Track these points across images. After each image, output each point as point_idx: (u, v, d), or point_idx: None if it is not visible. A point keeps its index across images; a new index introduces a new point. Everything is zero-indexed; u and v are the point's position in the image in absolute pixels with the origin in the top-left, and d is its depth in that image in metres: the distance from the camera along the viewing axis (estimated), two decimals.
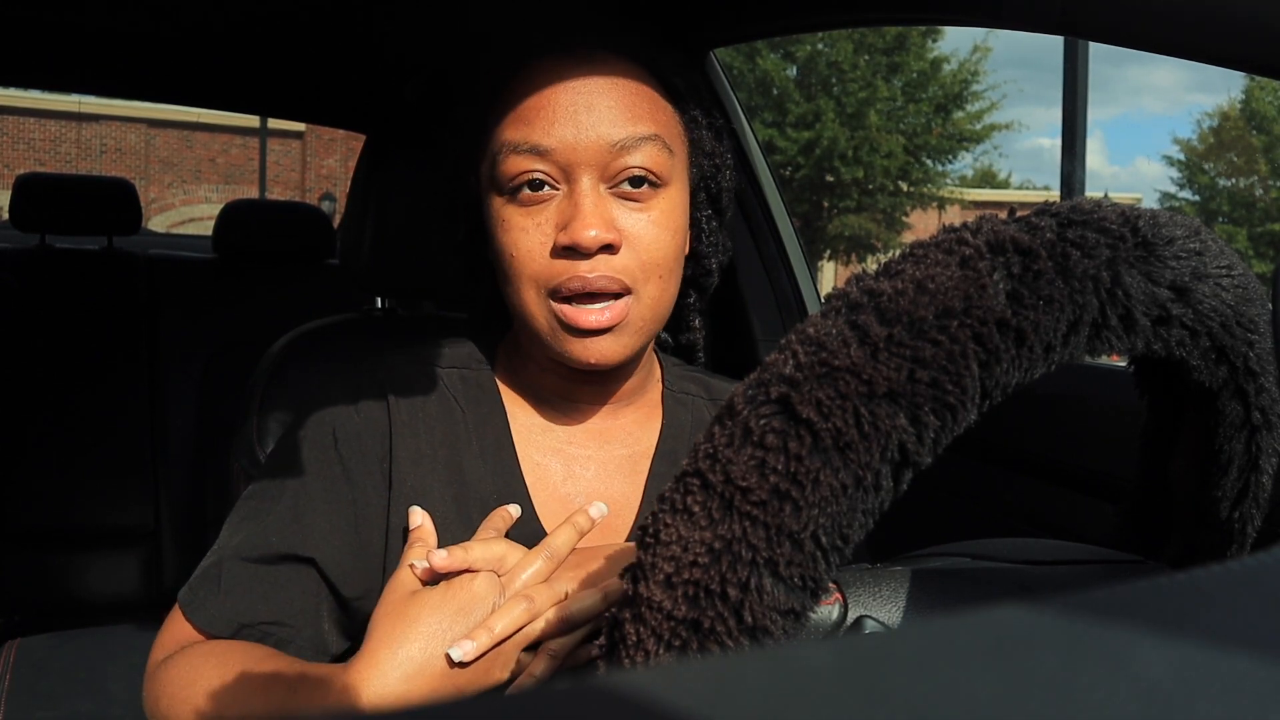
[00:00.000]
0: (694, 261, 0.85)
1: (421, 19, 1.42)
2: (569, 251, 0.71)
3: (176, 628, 0.73)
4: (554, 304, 0.72)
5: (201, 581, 0.74)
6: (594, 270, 0.71)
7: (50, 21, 1.56)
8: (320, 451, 0.77)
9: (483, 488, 0.77)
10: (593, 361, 0.73)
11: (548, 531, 0.75)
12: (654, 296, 0.74)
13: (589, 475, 0.80)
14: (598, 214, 0.71)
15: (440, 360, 0.82)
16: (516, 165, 0.72)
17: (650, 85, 0.75)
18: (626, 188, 0.72)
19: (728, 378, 0.92)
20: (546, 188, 0.72)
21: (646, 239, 0.73)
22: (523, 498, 0.77)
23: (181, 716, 0.67)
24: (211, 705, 0.66)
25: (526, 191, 0.72)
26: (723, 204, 0.85)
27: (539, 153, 0.71)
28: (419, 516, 0.71)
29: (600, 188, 0.72)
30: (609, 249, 0.71)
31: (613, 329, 0.72)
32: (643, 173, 0.72)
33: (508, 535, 0.71)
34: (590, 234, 0.69)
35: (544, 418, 0.81)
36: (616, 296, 0.72)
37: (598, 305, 0.72)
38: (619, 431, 0.83)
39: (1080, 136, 5.76)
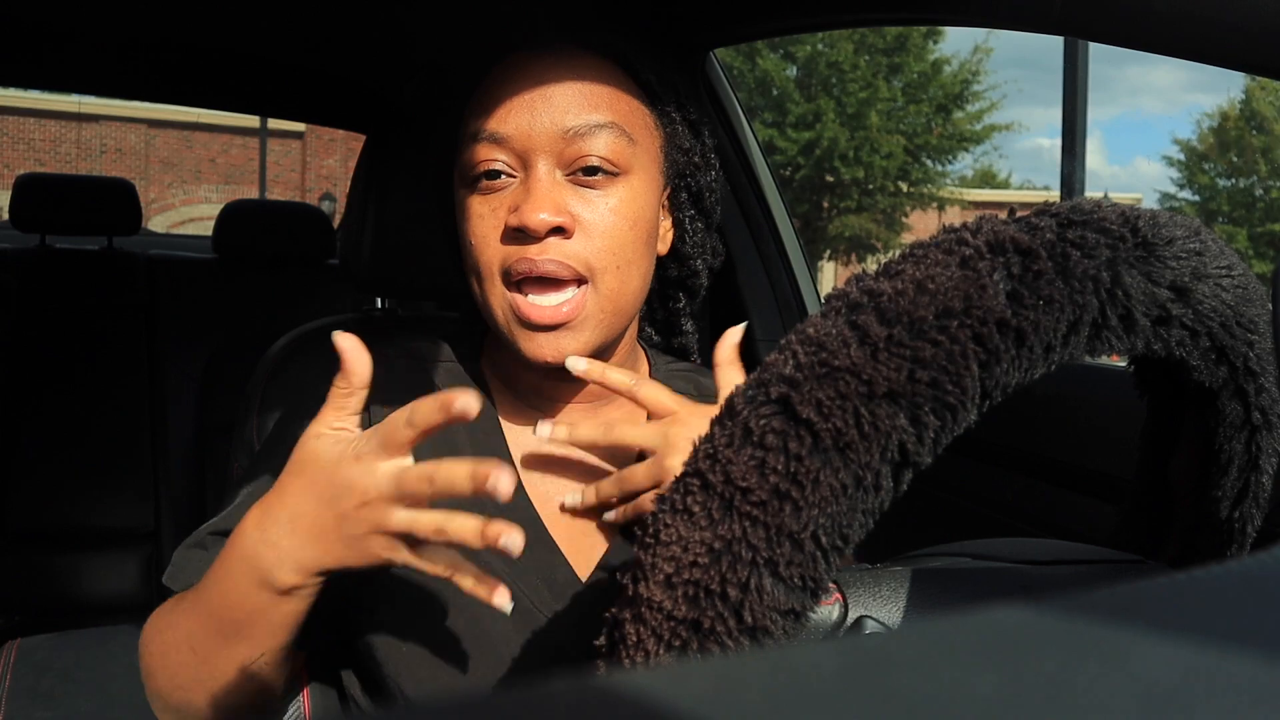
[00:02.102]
0: (678, 263, 0.84)
1: (409, 18, 1.42)
2: (519, 234, 0.71)
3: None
4: (508, 293, 0.72)
5: (183, 553, 0.75)
6: (544, 254, 0.70)
7: (50, 22, 1.56)
8: None
9: None
10: (548, 359, 0.72)
11: (543, 522, 0.76)
12: (612, 288, 0.73)
13: (572, 471, 0.80)
14: (549, 198, 0.71)
15: (427, 356, 0.83)
16: (476, 154, 0.73)
17: (617, 79, 0.76)
18: (583, 175, 0.73)
19: None
20: (504, 176, 0.73)
21: (602, 226, 0.72)
22: (516, 486, 0.76)
23: (155, 664, 0.69)
24: (170, 633, 0.69)
25: (485, 180, 0.73)
26: (705, 204, 0.84)
27: (496, 140, 0.72)
28: (340, 350, 0.62)
29: (556, 174, 0.73)
30: (560, 233, 0.71)
31: (568, 324, 0.72)
32: (599, 160, 0.72)
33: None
34: (539, 216, 0.69)
35: (525, 415, 0.81)
36: (571, 284, 0.72)
37: (553, 300, 0.71)
38: None
39: (1080, 136, 5.76)
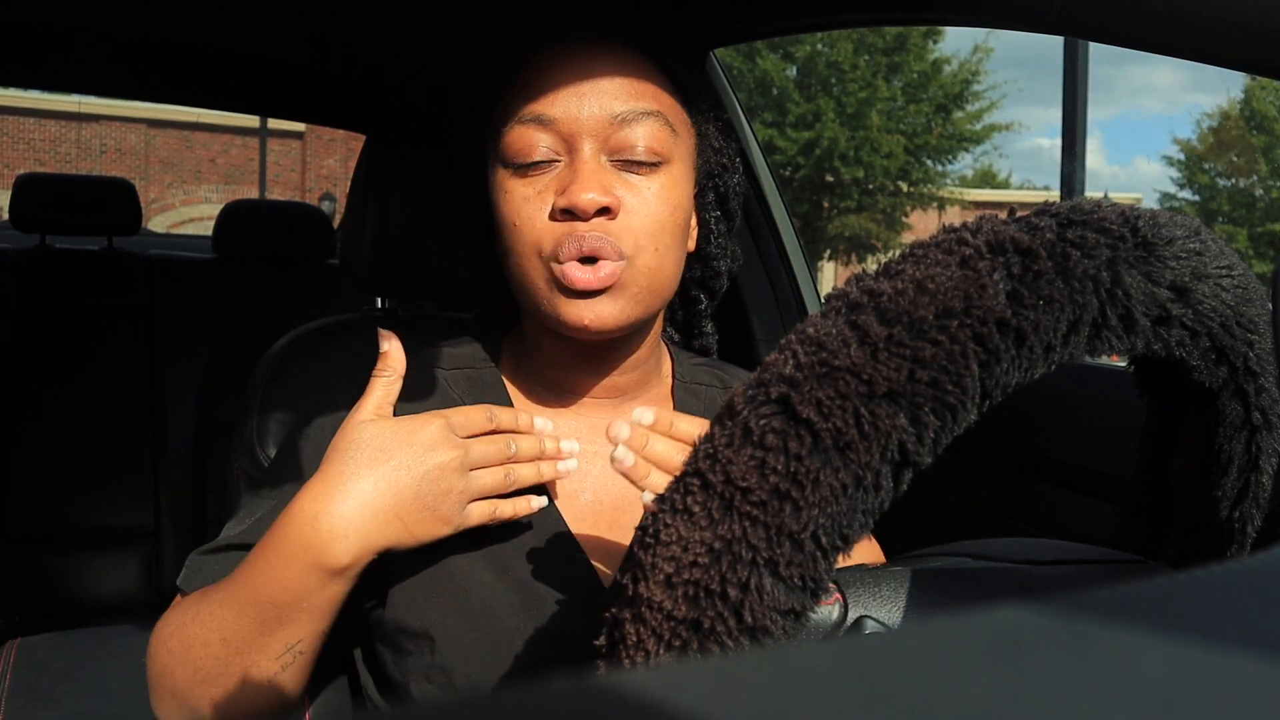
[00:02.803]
0: (702, 263, 0.86)
1: (436, 11, 1.42)
2: (566, 215, 0.72)
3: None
4: (552, 264, 0.73)
5: (200, 559, 0.75)
6: (591, 231, 0.71)
7: (50, 22, 1.56)
8: (319, 452, 0.77)
9: None
10: (588, 323, 0.73)
11: (565, 520, 0.76)
12: (649, 265, 0.74)
13: (596, 470, 0.80)
14: (596, 179, 0.72)
15: (442, 361, 0.83)
16: (520, 137, 0.74)
17: (655, 74, 0.77)
18: (626, 161, 0.74)
19: (744, 369, 0.92)
20: (548, 160, 0.74)
21: (643, 210, 0.73)
22: (540, 488, 0.77)
23: (173, 661, 0.69)
24: (194, 627, 0.69)
25: (528, 163, 0.74)
26: (730, 206, 0.85)
27: (543, 123, 0.73)
28: (386, 343, 0.74)
29: (601, 157, 0.74)
30: (606, 213, 0.72)
31: (608, 290, 0.72)
32: (643, 147, 0.74)
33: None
34: (588, 196, 0.70)
35: (551, 412, 0.81)
36: (612, 260, 0.72)
37: (594, 271, 0.72)
38: None
39: (1080, 136, 5.76)
